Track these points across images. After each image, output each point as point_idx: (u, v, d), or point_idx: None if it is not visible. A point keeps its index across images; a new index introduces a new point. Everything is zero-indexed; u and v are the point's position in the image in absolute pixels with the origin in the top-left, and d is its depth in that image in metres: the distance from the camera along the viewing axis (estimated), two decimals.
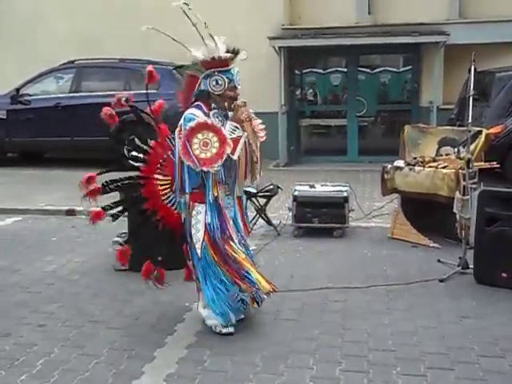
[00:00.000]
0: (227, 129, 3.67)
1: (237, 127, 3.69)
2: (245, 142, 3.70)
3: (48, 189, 8.63)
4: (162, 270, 4.13)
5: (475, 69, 5.09)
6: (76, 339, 3.79)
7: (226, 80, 3.71)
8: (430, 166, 5.84)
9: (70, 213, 7.28)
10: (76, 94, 10.38)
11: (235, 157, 3.65)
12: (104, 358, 3.53)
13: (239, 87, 3.77)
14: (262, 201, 6.20)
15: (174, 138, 3.84)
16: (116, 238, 5.19)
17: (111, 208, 4.08)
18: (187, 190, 3.72)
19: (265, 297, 3.84)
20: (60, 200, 7.78)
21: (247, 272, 3.70)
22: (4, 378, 3.31)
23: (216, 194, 3.67)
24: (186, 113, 3.78)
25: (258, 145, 3.82)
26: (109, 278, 4.96)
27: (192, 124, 3.63)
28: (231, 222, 3.80)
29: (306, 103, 12.81)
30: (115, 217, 4.19)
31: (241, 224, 3.92)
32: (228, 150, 3.58)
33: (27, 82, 10.62)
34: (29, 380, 3.29)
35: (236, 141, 3.65)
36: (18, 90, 10.55)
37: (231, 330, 3.77)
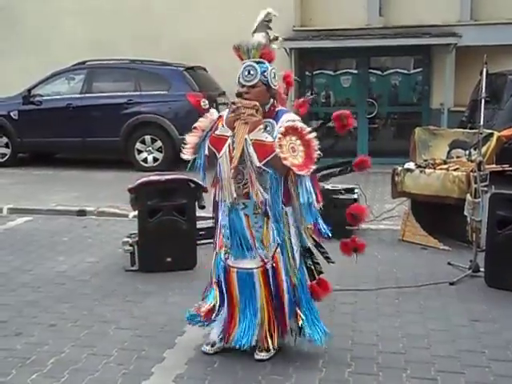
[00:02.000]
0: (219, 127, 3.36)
1: (222, 125, 3.34)
2: (228, 144, 3.30)
3: (59, 189, 8.67)
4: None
5: (487, 71, 5.07)
6: (86, 339, 3.81)
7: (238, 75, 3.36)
8: (440, 169, 5.83)
9: (81, 213, 7.32)
10: (87, 95, 10.42)
11: (219, 155, 3.31)
12: (114, 358, 3.54)
13: (247, 83, 3.29)
14: None
15: None
16: (126, 239, 5.21)
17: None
18: None
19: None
20: (71, 200, 7.82)
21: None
22: (15, 377, 3.33)
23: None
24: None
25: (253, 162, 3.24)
26: (119, 279, 4.98)
27: None
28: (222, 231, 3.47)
29: (318, 104, 12.79)
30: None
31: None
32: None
33: (39, 83, 10.68)
34: (39, 379, 3.31)
35: (221, 139, 3.32)
36: (29, 90, 10.61)
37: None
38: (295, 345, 3.57)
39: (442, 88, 11.12)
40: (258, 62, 3.30)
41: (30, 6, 12.30)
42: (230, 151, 3.28)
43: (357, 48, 11.06)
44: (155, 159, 10.15)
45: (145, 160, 10.16)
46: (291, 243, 3.42)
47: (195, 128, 3.48)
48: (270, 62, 3.35)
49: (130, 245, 5.15)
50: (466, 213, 5.01)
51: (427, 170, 5.87)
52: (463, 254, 5.24)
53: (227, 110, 3.40)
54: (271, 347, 3.48)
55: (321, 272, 3.67)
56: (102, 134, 10.19)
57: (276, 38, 3.58)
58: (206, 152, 3.40)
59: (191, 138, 3.49)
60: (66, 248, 5.91)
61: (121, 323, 4.05)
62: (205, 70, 10.77)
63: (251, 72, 3.28)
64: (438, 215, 5.84)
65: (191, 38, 11.08)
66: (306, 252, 3.59)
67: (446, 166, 5.84)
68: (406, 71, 12.79)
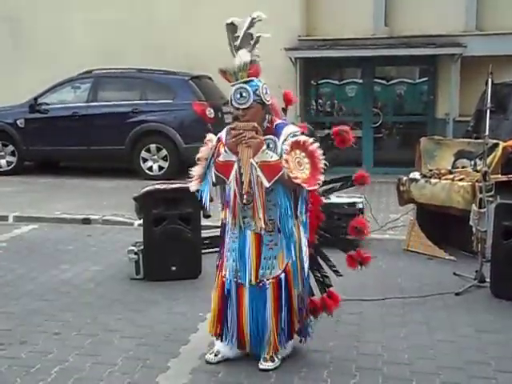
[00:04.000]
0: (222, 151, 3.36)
1: (225, 151, 3.32)
2: (235, 170, 3.28)
3: (64, 197, 8.69)
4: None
5: (492, 81, 5.07)
6: (91, 348, 3.80)
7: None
8: (446, 179, 5.82)
9: (86, 221, 7.33)
10: (93, 104, 10.47)
11: (228, 180, 3.33)
12: (118, 367, 3.54)
13: (241, 106, 3.27)
14: None
15: None
16: (131, 247, 5.21)
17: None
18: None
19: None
20: (76, 208, 7.84)
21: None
22: None
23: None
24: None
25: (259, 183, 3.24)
26: (124, 288, 4.97)
27: None
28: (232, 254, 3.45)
29: (323, 114, 12.81)
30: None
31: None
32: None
33: (45, 92, 10.73)
34: None
35: (227, 165, 3.31)
36: (35, 99, 10.66)
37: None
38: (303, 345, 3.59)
39: (447, 98, 11.12)
40: (247, 82, 3.29)
41: (39, 18, 12.39)
42: (237, 177, 3.29)
43: (362, 58, 11.08)
44: (160, 168, 10.17)
45: (150, 168, 10.18)
46: (302, 256, 3.45)
47: (199, 159, 3.49)
48: (257, 77, 3.34)
49: (135, 253, 5.15)
50: (471, 223, 4.99)
51: (432, 180, 5.86)
52: (469, 265, 5.22)
53: (225, 130, 3.42)
54: (275, 357, 3.48)
55: (330, 285, 3.72)
56: (108, 143, 10.22)
57: (257, 40, 3.42)
58: (214, 179, 3.40)
59: (197, 169, 3.49)
60: (70, 256, 5.91)
61: (125, 332, 4.04)
62: (210, 78, 10.79)
63: (243, 94, 3.26)
64: (443, 225, 5.82)
65: (196, 47, 11.12)
66: (314, 264, 3.60)
67: (451, 176, 5.83)
68: (411, 81, 12.80)
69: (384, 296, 4.63)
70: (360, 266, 3.67)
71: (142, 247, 5.18)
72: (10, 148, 10.81)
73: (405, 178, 6.07)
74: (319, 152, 3.27)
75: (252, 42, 3.37)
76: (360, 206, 6.14)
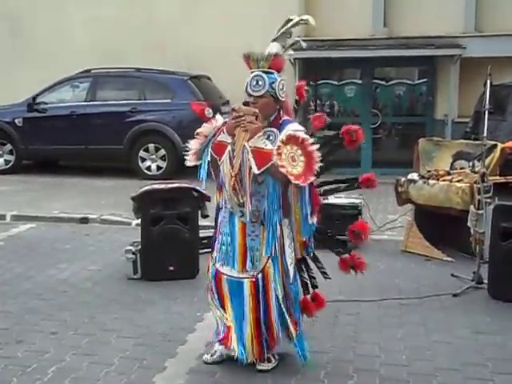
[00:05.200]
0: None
1: (223, 132, 3.32)
2: (229, 151, 3.28)
3: (62, 196, 8.68)
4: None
5: (491, 82, 5.07)
6: (87, 347, 3.80)
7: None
8: (444, 180, 5.82)
9: (84, 221, 7.32)
10: (91, 103, 10.46)
11: (220, 161, 3.31)
12: (115, 366, 3.53)
13: (254, 93, 3.28)
14: None
15: None
16: (129, 247, 5.21)
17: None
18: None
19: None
20: (74, 208, 7.83)
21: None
22: None
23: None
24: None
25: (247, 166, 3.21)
26: (121, 287, 4.97)
27: None
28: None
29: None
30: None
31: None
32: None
33: (44, 91, 10.72)
34: None
35: (221, 145, 3.31)
36: (34, 98, 10.65)
37: None
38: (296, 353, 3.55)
39: (446, 99, 11.12)
40: (266, 73, 3.29)
41: (39, 17, 12.37)
42: (230, 158, 3.26)
43: (361, 58, 11.06)
44: (159, 167, 10.16)
45: (148, 168, 10.17)
46: (285, 256, 3.37)
47: (198, 134, 3.47)
48: (278, 71, 3.33)
49: (133, 253, 5.15)
50: (469, 224, 4.99)
51: (431, 181, 5.86)
52: (466, 266, 5.22)
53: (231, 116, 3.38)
54: (272, 358, 3.47)
55: (316, 286, 3.65)
56: (106, 142, 10.21)
57: (295, 43, 3.49)
58: (209, 158, 3.38)
59: (194, 144, 3.47)
60: (68, 255, 5.90)
61: (122, 332, 4.04)
62: (209, 78, 10.80)
63: (259, 82, 3.26)
64: (441, 226, 5.82)
65: (196, 47, 11.12)
66: (301, 265, 3.56)
67: (449, 178, 5.83)
68: (410, 82, 12.81)
69: (381, 297, 4.63)
70: (353, 270, 3.59)
71: (139, 247, 5.18)
72: (8, 147, 10.80)
73: (403, 179, 6.07)
74: (317, 154, 3.23)
75: (289, 41, 3.39)
76: (358, 206, 6.13)
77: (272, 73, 3.30)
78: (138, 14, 11.94)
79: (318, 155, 3.23)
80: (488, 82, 5.04)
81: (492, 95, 5.06)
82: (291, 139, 3.20)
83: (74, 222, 7.33)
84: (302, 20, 3.45)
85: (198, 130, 3.48)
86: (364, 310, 4.42)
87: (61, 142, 10.42)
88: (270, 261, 3.33)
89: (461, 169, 6.05)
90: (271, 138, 3.29)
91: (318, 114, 3.72)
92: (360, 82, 12.35)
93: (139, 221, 5.34)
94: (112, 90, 10.61)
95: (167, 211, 5.10)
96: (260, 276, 3.33)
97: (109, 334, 4.00)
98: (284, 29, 3.40)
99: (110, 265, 5.55)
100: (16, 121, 10.65)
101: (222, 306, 3.47)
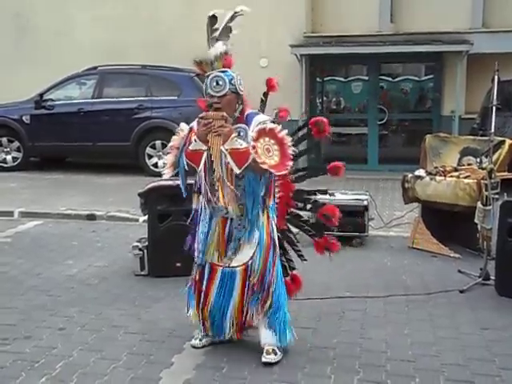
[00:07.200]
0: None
1: (195, 140, 3.39)
2: (205, 159, 3.36)
3: (69, 193, 8.71)
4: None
5: (498, 78, 5.05)
6: (95, 343, 3.81)
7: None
8: (451, 176, 5.80)
9: (91, 217, 7.35)
10: (98, 100, 10.48)
11: (198, 169, 3.41)
12: (122, 362, 3.55)
13: (217, 94, 3.37)
14: None
15: None
16: (136, 243, 5.22)
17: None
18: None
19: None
20: (81, 204, 7.86)
21: None
22: (24, 381, 3.34)
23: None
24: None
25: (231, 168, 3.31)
26: (128, 283, 4.98)
27: None
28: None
29: (329, 111, 12.79)
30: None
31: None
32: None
33: (51, 88, 10.75)
34: (48, 383, 3.32)
35: (197, 153, 3.38)
36: (41, 95, 10.68)
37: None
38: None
39: (453, 95, 11.07)
40: (223, 72, 3.39)
41: (43, 15, 12.40)
42: (205, 164, 3.36)
43: (367, 54, 11.05)
44: (165, 164, 10.15)
45: (155, 165, 10.19)
46: (271, 239, 3.50)
47: (171, 148, 3.60)
48: (230, 68, 3.44)
49: (140, 249, 5.16)
50: (476, 220, 4.98)
51: (438, 178, 5.84)
52: (473, 262, 5.21)
53: (196, 121, 3.48)
54: (278, 350, 3.52)
55: (293, 268, 3.90)
56: (113, 139, 10.23)
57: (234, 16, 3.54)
58: (186, 167, 3.48)
59: (169, 158, 3.61)
60: (75, 252, 5.93)
61: (129, 328, 4.05)
62: None
63: (219, 82, 3.36)
64: (448, 223, 5.80)
65: (199, 46, 11.10)
66: (280, 249, 3.69)
67: (456, 174, 5.81)
68: (417, 78, 12.79)
69: (388, 293, 4.62)
70: (327, 252, 3.83)
71: (146, 243, 5.19)
72: (16, 144, 10.84)
73: (410, 176, 6.05)
74: (288, 139, 3.33)
75: (230, 35, 3.50)
76: (365, 202, 6.12)
77: (227, 71, 3.41)
78: (141, 13, 11.95)
79: (289, 139, 3.33)
80: (495, 77, 5.02)
81: (499, 91, 5.04)
82: (261, 133, 3.30)
83: (81, 218, 7.35)
84: (236, 13, 3.52)
85: (170, 145, 3.60)
86: (371, 306, 4.42)
87: (68, 139, 10.45)
88: (257, 248, 3.46)
89: (468, 165, 6.03)
90: (242, 134, 3.38)
91: (283, 107, 3.87)
92: (367, 78, 12.34)
93: (146, 217, 5.35)
94: (119, 87, 10.64)
95: (174, 208, 5.10)
96: (250, 263, 3.46)
97: (116, 329, 4.02)
98: (223, 26, 3.48)
99: (117, 261, 5.57)
100: (23, 118, 10.69)
101: (205, 296, 3.57)
